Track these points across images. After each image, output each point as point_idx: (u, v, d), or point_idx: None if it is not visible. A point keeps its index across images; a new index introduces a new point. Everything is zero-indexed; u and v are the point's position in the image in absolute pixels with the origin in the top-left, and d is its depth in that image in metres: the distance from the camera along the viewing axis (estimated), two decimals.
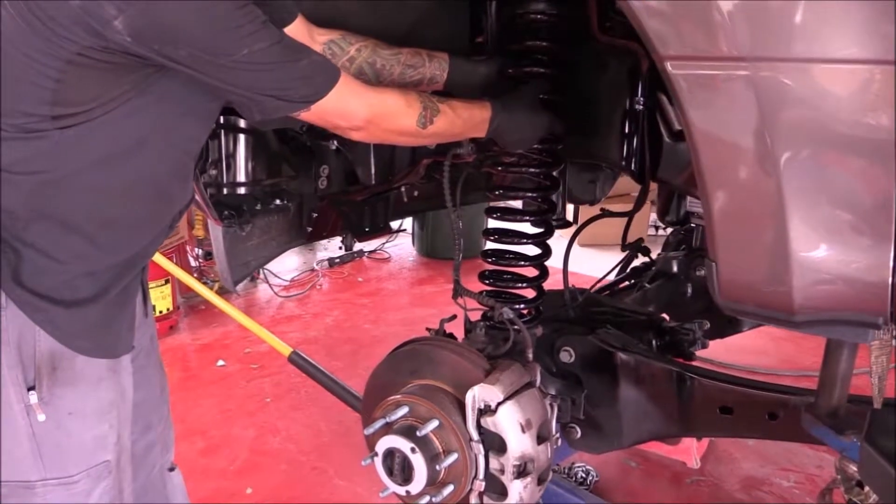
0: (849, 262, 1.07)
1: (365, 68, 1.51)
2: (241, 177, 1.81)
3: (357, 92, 1.29)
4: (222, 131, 1.78)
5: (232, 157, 1.79)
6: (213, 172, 1.78)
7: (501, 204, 2.11)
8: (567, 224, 2.26)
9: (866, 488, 1.39)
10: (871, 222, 1.04)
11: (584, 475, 2.63)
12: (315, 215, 2.14)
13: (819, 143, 1.05)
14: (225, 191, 1.82)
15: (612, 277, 2.54)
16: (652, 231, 5.47)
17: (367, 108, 1.30)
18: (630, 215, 2.21)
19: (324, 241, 5.77)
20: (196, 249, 4.78)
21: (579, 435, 1.88)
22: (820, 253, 1.09)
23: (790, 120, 1.05)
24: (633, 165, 1.71)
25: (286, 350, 2.90)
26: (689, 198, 2.42)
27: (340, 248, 5.75)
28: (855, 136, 1.02)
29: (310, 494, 2.62)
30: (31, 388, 1.18)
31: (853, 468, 1.40)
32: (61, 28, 1.02)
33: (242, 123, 1.78)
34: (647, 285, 2.51)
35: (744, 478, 2.68)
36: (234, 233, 1.88)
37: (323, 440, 2.99)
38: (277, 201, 1.97)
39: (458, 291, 1.81)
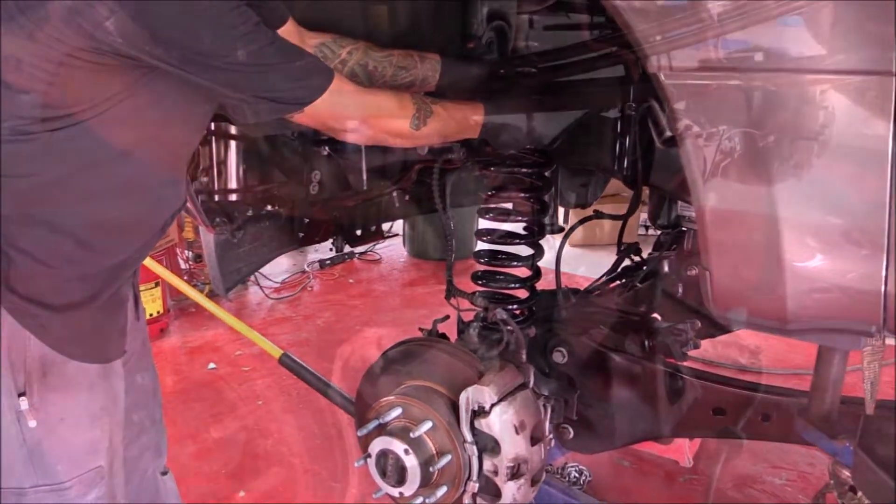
0: (842, 272, 1.07)
1: (357, 71, 1.51)
2: (233, 183, 1.79)
3: (350, 94, 1.29)
4: (213, 138, 1.77)
5: (223, 163, 1.78)
6: (205, 179, 1.77)
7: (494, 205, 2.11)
8: (560, 230, 2.26)
9: (859, 493, 1.40)
10: (863, 231, 1.04)
11: (577, 475, 2.63)
12: (306, 221, 2.13)
13: (812, 153, 1.05)
14: (216, 197, 1.81)
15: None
16: (642, 231, 5.49)
17: (360, 109, 1.30)
18: (625, 218, 2.21)
19: None
20: (186, 252, 4.76)
21: (572, 435, 1.88)
22: (813, 262, 1.09)
23: (782, 129, 1.05)
24: (624, 171, 1.71)
25: (277, 352, 2.90)
26: (680, 202, 2.42)
27: (331, 249, 5.66)
28: (847, 145, 1.03)
29: (303, 497, 2.61)
30: (21, 394, 1.17)
31: (846, 473, 1.40)
32: (52, 29, 1.02)
33: (233, 130, 1.77)
34: (638, 285, 2.51)
35: (736, 476, 2.69)
36: (225, 240, 1.87)
37: (315, 442, 2.98)
38: (269, 207, 1.95)
39: (452, 292, 1.81)
